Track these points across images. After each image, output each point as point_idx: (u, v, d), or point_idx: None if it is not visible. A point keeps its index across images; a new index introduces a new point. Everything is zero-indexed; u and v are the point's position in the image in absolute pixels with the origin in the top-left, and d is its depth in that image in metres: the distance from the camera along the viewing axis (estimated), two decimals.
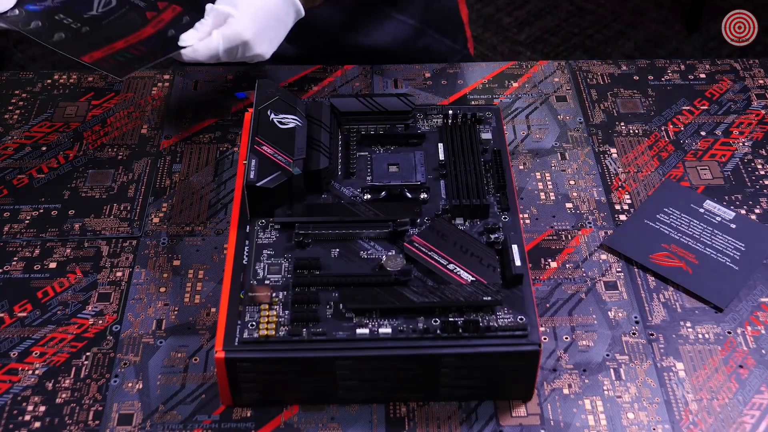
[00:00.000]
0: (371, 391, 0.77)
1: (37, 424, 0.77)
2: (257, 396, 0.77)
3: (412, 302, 0.75)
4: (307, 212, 0.83)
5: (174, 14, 0.93)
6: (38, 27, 0.89)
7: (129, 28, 0.92)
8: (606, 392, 0.79)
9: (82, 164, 1.00)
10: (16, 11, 0.90)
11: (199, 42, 0.91)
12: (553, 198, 0.96)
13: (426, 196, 0.85)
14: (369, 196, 0.85)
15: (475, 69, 1.12)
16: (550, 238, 0.92)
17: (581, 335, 0.84)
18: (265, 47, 0.93)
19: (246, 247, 0.80)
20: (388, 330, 0.74)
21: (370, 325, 0.74)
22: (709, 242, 0.91)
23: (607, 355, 0.82)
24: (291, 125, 0.86)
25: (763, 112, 1.07)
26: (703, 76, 1.12)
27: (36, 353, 0.82)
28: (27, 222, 0.94)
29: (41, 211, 0.95)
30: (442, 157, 0.89)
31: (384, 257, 0.79)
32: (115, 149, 1.02)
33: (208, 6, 0.92)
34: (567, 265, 0.90)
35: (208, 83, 1.10)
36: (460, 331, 0.74)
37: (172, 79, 1.11)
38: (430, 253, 0.79)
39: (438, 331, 0.74)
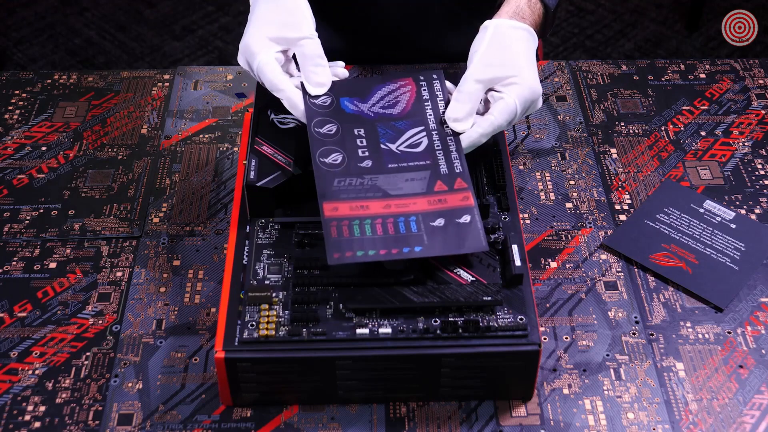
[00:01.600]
0: (371, 391, 0.77)
1: (37, 424, 0.77)
2: (257, 396, 0.77)
3: (412, 302, 0.75)
4: (307, 212, 0.83)
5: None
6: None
7: None
8: (606, 392, 0.79)
9: (82, 164, 1.00)
10: (330, 100, 0.84)
11: (489, 114, 0.82)
12: (553, 198, 0.96)
13: None
14: None
15: None
16: (550, 238, 0.92)
17: (581, 335, 0.84)
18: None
19: (246, 247, 0.80)
20: (388, 330, 0.74)
21: (370, 325, 0.74)
22: (709, 242, 0.91)
23: (607, 355, 0.82)
24: (291, 125, 0.86)
25: (763, 112, 1.07)
26: (703, 76, 1.12)
27: (36, 353, 0.82)
28: (27, 222, 0.94)
29: (41, 211, 0.95)
30: None
31: None
32: (115, 149, 1.02)
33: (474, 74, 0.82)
34: (567, 265, 0.90)
35: (208, 83, 1.10)
36: (460, 331, 0.74)
37: (172, 79, 1.11)
38: None
39: (438, 331, 0.74)
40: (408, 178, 0.79)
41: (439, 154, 0.81)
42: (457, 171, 0.79)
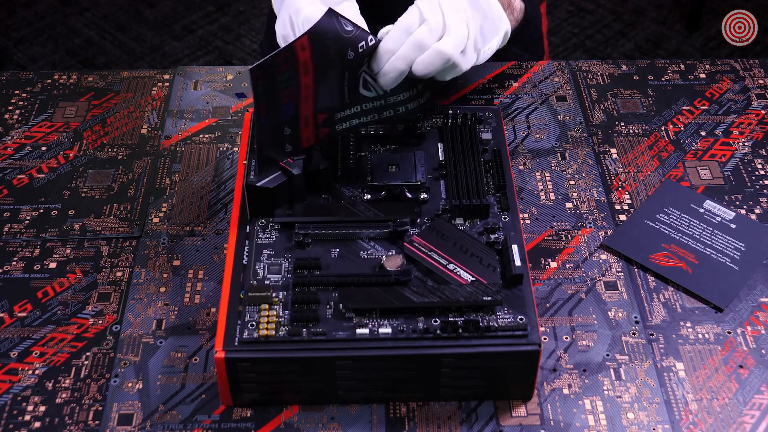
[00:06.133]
0: (371, 391, 0.77)
1: (37, 424, 0.77)
2: (257, 396, 0.77)
3: (412, 302, 0.75)
4: (307, 212, 0.83)
5: None
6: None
7: None
8: (606, 392, 0.79)
9: (82, 164, 1.00)
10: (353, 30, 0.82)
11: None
12: (553, 198, 0.96)
13: (426, 196, 0.85)
14: (369, 196, 0.85)
15: (475, 69, 1.12)
16: (550, 238, 0.92)
17: (581, 335, 0.84)
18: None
19: (246, 247, 0.80)
20: (388, 330, 0.74)
21: (370, 325, 0.74)
22: (709, 242, 0.91)
23: (607, 355, 0.82)
24: None
25: (763, 112, 1.07)
26: (703, 76, 1.12)
27: (36, 353, 0.82)
28: (27, 222, 0.94)
29: (41, 211, 0.95)
30: (441, 157, 0.89)
31: (384, 257, 0.79)
32: (115, 149, 1.02)
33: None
34: (567, 265, 0.90)
35: (208, 83, 1.10)
36: (460, 331, 0.74)
37: (172, 79, 1.11)
38: (430, 253, 0.79)
39: (438, 331, 0.74)
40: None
41: None
42: None
